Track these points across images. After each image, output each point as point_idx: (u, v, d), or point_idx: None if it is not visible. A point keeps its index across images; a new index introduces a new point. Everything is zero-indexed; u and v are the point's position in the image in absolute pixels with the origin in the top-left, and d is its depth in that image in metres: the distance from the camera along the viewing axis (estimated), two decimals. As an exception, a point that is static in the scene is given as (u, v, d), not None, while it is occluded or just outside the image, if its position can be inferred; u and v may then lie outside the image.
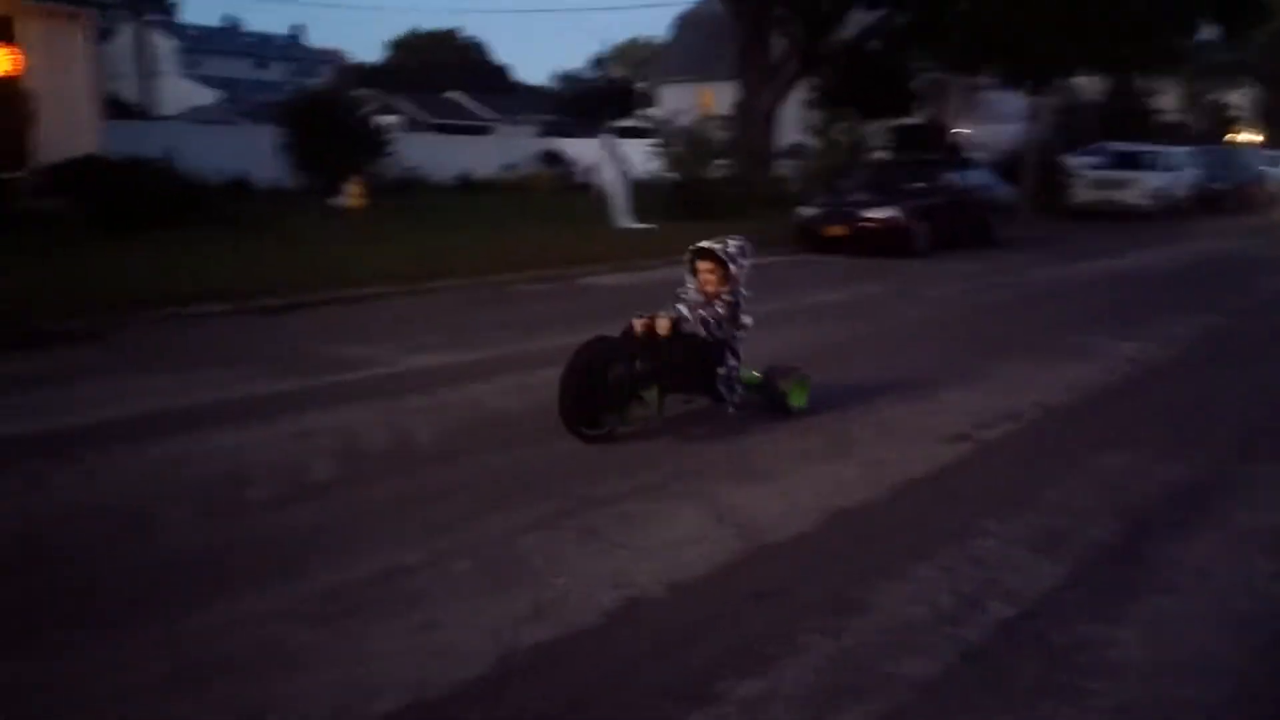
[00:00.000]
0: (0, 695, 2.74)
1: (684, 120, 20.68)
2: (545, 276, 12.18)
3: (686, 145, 19.68)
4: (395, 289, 10.75)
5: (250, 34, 62.48)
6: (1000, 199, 17.55)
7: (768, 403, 5.59)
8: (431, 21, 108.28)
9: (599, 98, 49.50)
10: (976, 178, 17.53)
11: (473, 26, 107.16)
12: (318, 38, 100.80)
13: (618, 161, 17.71)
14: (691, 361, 5.22)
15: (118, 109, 25.20)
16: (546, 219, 18.24)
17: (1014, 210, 18.46)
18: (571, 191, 26.91)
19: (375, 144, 23.17)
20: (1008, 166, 22.36)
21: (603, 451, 4.90)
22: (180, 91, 42.40)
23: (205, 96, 42.80)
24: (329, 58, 63.96)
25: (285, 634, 3.10)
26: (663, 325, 5.11)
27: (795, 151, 24.48)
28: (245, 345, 7.96)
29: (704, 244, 5.37)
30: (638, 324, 5.15)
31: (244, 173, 22.02)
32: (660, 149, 19.96)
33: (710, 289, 5.35)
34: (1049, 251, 15.76)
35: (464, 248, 13.59)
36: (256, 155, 22.57)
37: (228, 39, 59.28)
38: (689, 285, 5.46)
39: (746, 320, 5.41)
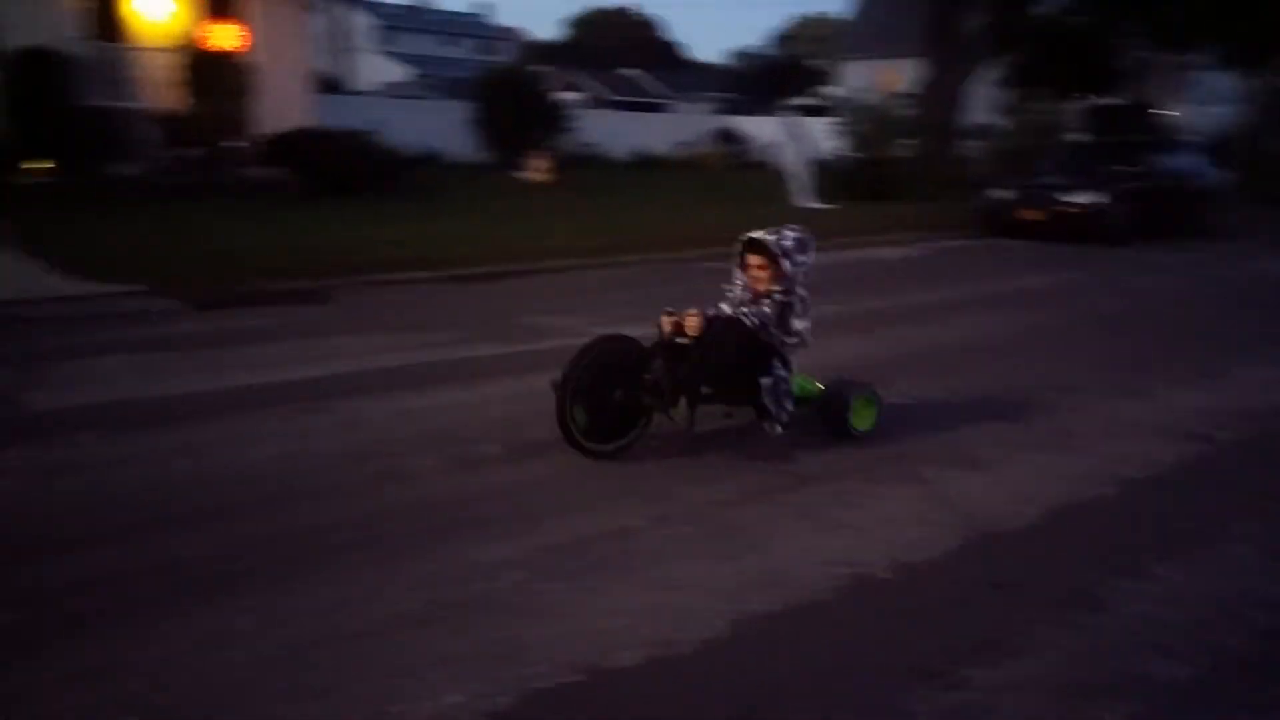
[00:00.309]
0: (277, 622, 2.99)
1: (869, 98, 20.24)
2: (727, 253, 12.19)
3: (871, 124, 19.26)
4: (581, 262, 11.00)
5: (439, 12, 65.04)
6: (1210, 185, 16.36)
7: (825, 420, 4.82)
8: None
9: (775, 75, 48.93)
10: (1185, 162, 16.38)
11: (648, 4, 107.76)
12: (500, 16, 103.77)
13: (800, 140, 17.50)
14: (729, 369, 4.52)
15: (320, 83, 26.70)
16: (724, 196, 18.26)
17: (1224, 198, 17.19)
18: (746, 169, 26.81)
19: (558, 120, 23.75)
20: (1217, 151, 20.82)
21: (806, 429, 4.87)
22: (374, 67, 44.58)
23: (396, 72, 44.84)
24: (511, 35, 65.80)
25: (524, 584, 3.25)
26: (692, 324, 4.43)
27: (983, 131, 23.57)
28: (448, 310, 8.33)
29: (755, 234, 4.63)
30: (666, 322, 4.51)
31: (435, 146, 22.95)
32: (844, 127, 19.61)
33: (760, 286, 4.62)
34: (1265, 243, 14.63)
35: (645, 223, 13.79)
36: (446, 129, 23.49)
37: (418, 17, 61.88)
38: (736, 281, 4.78)
39: (798, 325, 4.59)
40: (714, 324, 4.47)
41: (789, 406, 4.59)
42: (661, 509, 3.89)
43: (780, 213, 15.84)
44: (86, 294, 7.94)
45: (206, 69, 14.97)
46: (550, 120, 23.46)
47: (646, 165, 27.22)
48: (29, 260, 9.08)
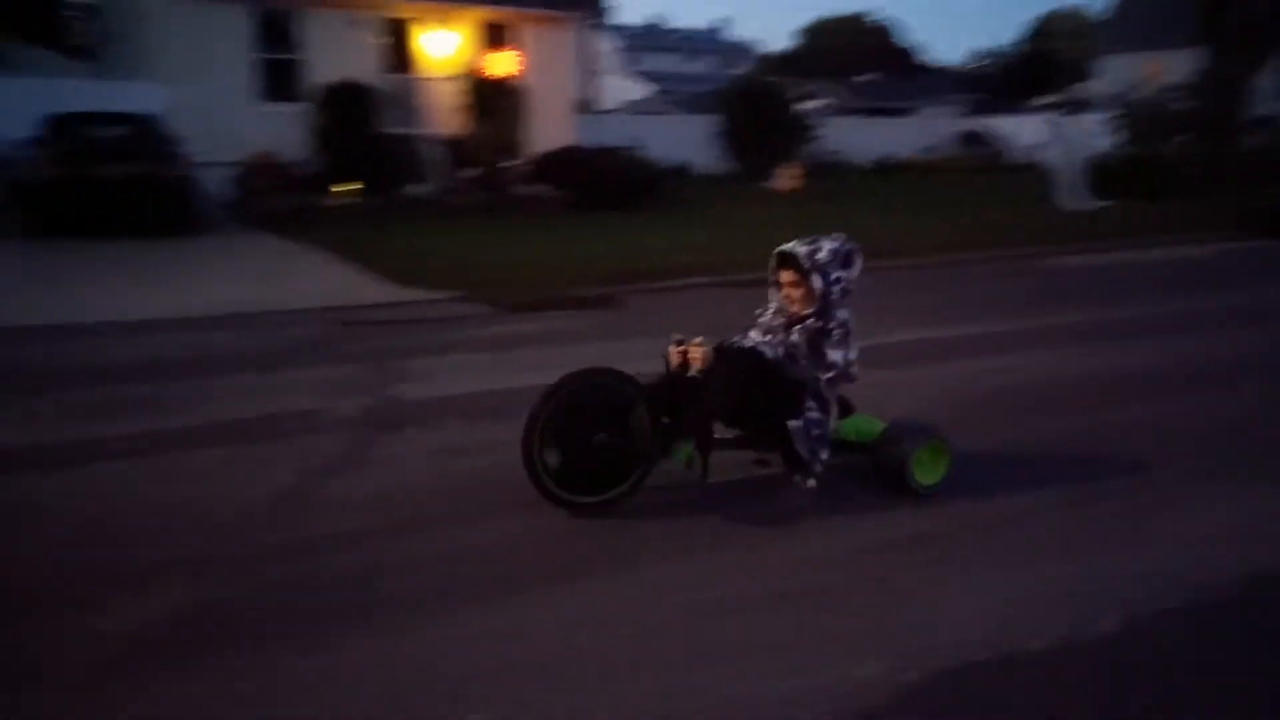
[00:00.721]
0: (674, 589, 3.26)
1: (1139, 92, 19.07)
2: (997, 257, 11.88)
3: (1143, 119, 18.14)
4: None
5: (677, 30, 66.78)
6: None
7: (877, 469, 4.06)
8: (842, 7, 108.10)
9: (1023, 74, 46.77)
10: None
11: (884, 9, 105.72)
12: (736, 30, 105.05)
13: (1066, 138, 16.74)
14: (748, 408, 3.89)
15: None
16: (981, 200, 17.75)
17: None
18: (997, 172, 25.84)
19: (802, 129, 23.85)
20: None
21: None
22: (617, 87, 46.31)
23: (638, 90, 46.45)
24: (746, 49, 66.53)
25: (912, 567, 3.37)
26: (696, 356, 3.78)
27: (1267, 123, 21.59)
28: (729, 314, 8.59)
29: (787, 247, 3.92)
30: (674, 353, 3.87)
31: (681, 159, 23.59)
32: (1112, 123, 18.58)
33: (794, 308, 3.95)
34: None
35: (906, 228, 13.64)
36: (690, 143, 24.10)
37: (658, 36, 63.79)
38: (770, 303, 4.10)
39: (834, 355, 3.85)
40: (723, 355, 3.84)
41: (823, 455, 3.88)
42: (1010, 506, 3.92)
43: (1042, 214, 15.26)
44: (411, 300, 8.83)
45: (486, 95, 16.19)
46: (794, 130, 23.60)
47: (891, 171, 26.80)
48: (355, 271, 10.18)
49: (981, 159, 28.31)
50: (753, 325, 4.12)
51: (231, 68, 16.18)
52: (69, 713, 2.54)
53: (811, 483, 3.87)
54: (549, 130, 17.71)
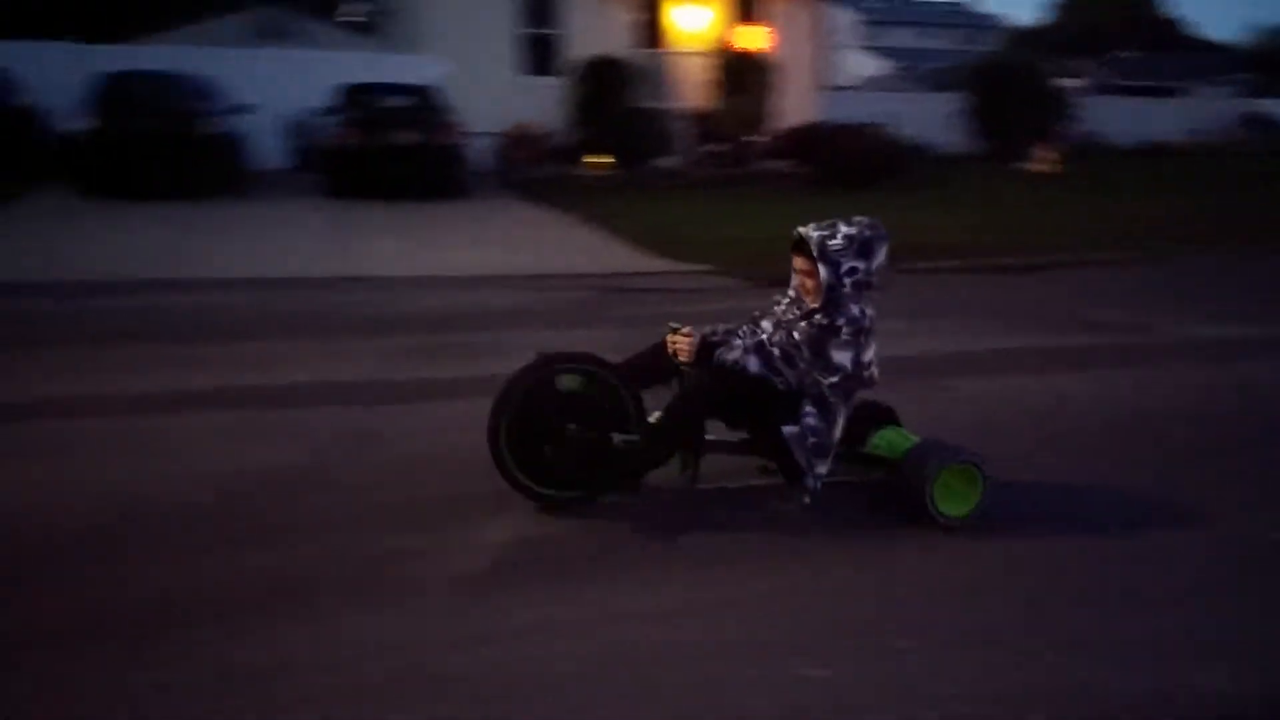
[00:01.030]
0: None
1: None
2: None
3: None
4: (1125, 255, 10.47)
5: (920, 4, 64.56)
6: None
7: (896, 490, 3.57)
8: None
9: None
10: None
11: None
12: (983, 3, 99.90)
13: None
14: (739, 408, 3.57)
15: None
16: (1269, 187, 16.28)
17: None
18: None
19: (1059, 108, 22.59)
20: None
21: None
22: (854, 63, 45.37)
23: (875, 66, 45.35)
24: (991, 23, 63.47)
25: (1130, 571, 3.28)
26: (683, 348, 3.51)
27: None
28: (990, 302, 8.32)
29: (803, 230, 3.48)
30: (668, 340, 3.62)
31: (922, 137, 22.84)
32: None
33: (808, 298, 3.51)
34: None
35: (1183, 215, 12.74)
36: (931, 121, 23.26)
37: (898, 10, 61.93)
38: (789, 291, 3.66)
39: (841, 359, 3.40)
40: (706, 350, 3.55)
41: (820, 468, 3.44)
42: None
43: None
44: (665, 270, 9.14)
45: (735, 69, 16.33)
46: (1051, 109, 22.37)
47: (1158, 154, 24.90)
48: (609, 240, 10.62)
49: (1267, 144, 25.81)
50: (767, 313, 3.72)
51: (496, 42, 17.11)
52: (451, 620, 2.86)
53: (806, 499, 3.46)
54: (791, 106, 17.65)
